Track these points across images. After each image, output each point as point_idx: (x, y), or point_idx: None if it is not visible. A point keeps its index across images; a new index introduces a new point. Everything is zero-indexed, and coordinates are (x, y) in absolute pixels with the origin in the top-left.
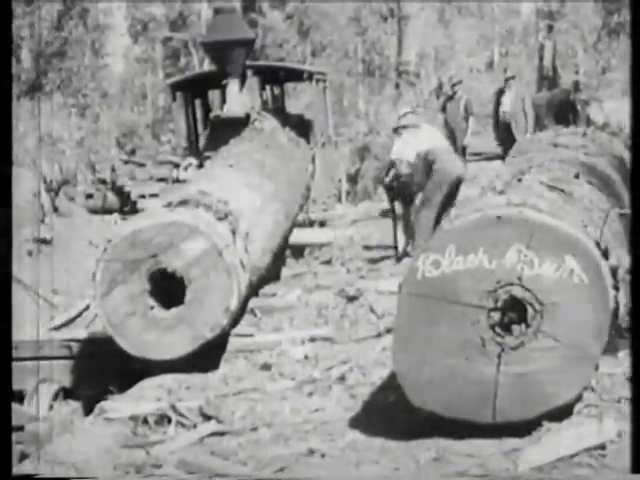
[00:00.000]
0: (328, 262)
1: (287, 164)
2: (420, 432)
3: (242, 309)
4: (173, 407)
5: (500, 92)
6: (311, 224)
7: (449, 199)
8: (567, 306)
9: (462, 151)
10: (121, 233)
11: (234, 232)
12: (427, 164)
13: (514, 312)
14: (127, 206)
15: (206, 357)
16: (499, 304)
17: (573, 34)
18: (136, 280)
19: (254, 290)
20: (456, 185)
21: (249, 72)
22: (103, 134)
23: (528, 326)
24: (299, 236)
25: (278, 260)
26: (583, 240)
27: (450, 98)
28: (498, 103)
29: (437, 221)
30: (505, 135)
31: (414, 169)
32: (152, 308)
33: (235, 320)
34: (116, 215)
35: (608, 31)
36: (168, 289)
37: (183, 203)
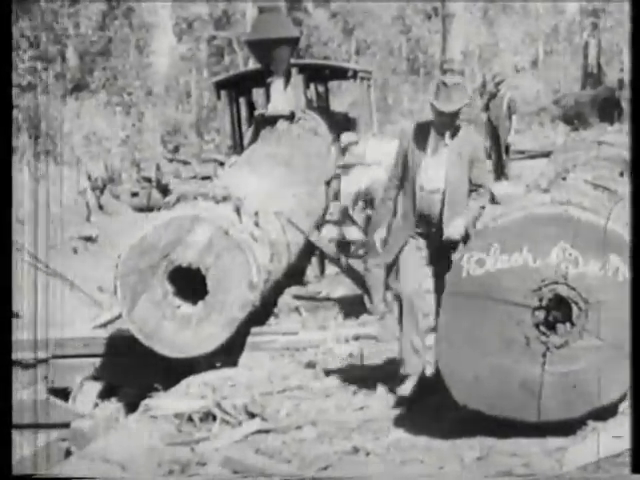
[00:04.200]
0: None
1: (303, 150)
2: (465, 431)
3: (278, 288)
4: (218, 405)
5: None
6: (354, 222)
7: None
8: (612, 305)
9: (505, 149)
10: (128, 245)
11: (238, 210)
12: (369, 203)
13: (559, 311)
14: None
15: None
16: (544, 303)
17: (617, 32)
18: (156, 285)
19: (289, 267)
20: None
21: (293, 70)
22: (148, 132)
23: (573, 325)
24: (348, 235)
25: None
26: (628, 238)
27: (493, 96)
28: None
29: (389, 270)
30: None
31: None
32: (179, 307)
33: (273, 295)
34: None
35: None
36: (190, 285)
37: (180, 199)
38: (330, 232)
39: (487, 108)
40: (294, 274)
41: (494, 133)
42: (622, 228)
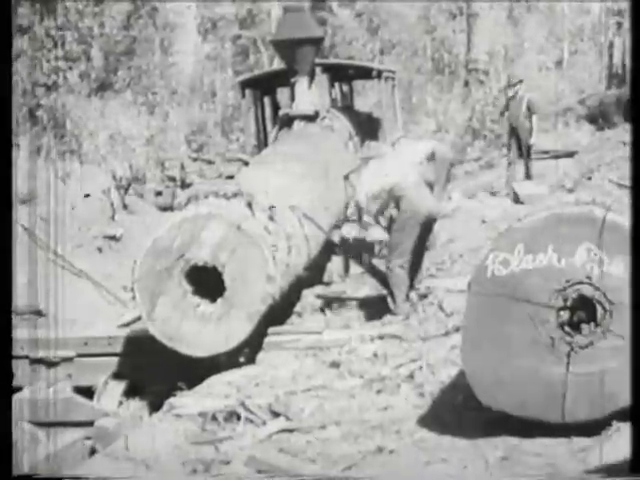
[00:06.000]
0: None
1: (318, 146)
2: (489, 431)
3: (299, 283)
4: (242, 404)
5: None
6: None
7: (422, 243)
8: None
9: (527, 150)
10: (143, 249)
11: (250, 205)
12: (394, 202)
13: (583, 311)
14: None
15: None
16: (568, 303)
17: None
18: (174, 286)
19: (310, 260)
20: (428, 225)
21: (318, 70)
22: (172, 132)
23: (597, 325)
24: (371, 235)
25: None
26: None
27: (512, 98)
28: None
29: (413, 270)
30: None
31: (376, 211)
32: (198, 306)
33: (294, 290)
34: None
35: None
36: (208, 283)
37: (191, 199)
38: (352, 231)
39: (507, 109)
40: (316, 269)
41: (514, 134)
42: None
